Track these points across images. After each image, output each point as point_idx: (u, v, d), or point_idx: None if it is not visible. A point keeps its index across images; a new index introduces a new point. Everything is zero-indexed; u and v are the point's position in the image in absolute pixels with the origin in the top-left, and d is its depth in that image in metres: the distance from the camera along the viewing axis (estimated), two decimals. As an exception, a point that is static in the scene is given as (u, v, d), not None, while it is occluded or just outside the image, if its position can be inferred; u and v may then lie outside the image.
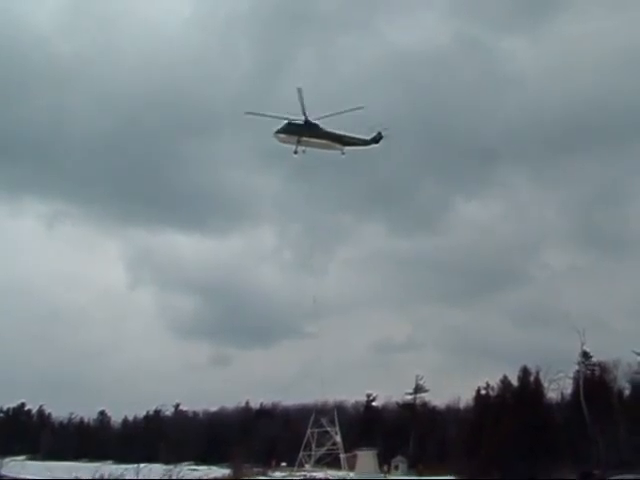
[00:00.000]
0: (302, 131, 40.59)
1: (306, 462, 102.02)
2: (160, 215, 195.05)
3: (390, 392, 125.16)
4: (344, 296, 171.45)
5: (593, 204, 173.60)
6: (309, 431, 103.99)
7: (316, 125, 40.73)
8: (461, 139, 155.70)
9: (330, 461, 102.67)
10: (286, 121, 40.44)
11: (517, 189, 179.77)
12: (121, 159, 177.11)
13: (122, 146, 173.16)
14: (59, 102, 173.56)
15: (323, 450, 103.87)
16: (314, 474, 71.48)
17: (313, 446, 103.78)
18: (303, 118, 40.22)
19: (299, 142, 40.81)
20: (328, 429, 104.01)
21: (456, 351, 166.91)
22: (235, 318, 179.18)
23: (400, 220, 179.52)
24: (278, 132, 40.88)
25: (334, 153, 42.61)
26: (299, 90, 38.66)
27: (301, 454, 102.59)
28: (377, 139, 43.15)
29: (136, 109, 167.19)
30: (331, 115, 40.55)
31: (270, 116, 40.10)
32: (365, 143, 43.05)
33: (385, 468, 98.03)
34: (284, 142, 41.36)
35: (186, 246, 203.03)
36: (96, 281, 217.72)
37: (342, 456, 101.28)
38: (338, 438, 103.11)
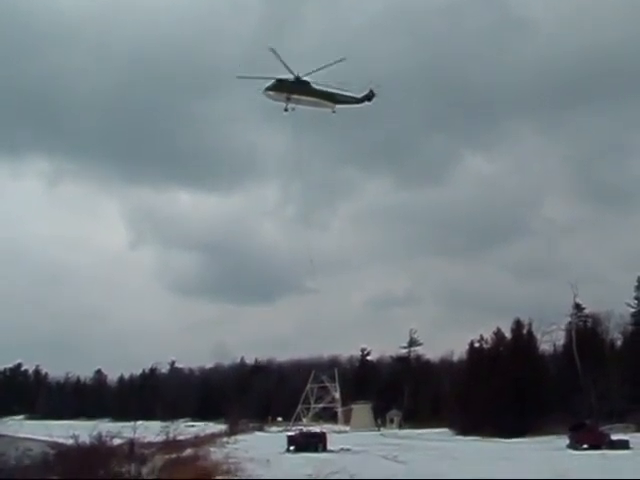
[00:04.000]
0: (292, 88, 39.73)
1: (304, 416, 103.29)
2: (164, 173, 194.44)
3: (386, 346, 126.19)
4: (346, 251, 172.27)
5: (597, 157, 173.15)
6: (309, 386, 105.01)
7: (307, 82, 39.86)
8: (471, 91, 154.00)
9: (327, 415, 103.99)
10: (276, 78, 39.65)
11: (523, 142, 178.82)
12: (126, 117, 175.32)
13: (127, 103, 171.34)
14: (63, 59, 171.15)
15: (321, 405, 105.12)
16: (310, 428, 72.39)
17: (312, 401, 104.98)
18: (293, 75, 39.40)
19: (289, 99, 40.04)
20: (327, 385, 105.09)
21: (455, 305, 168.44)
22: (236, 275, 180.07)
23: (406, 174, 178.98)
24: (267, 89, 40.03)
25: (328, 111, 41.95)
26: (273, 50, 37.58)
27: (299, 407, 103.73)
28: (369, 97, 42.32)
29: (141, 66, 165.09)
30: (317, 70, 39.75)
31: (261, 77, 39.19)
32: (357, 101, 42.28)
33: (379, 421, 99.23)
34: (273, 99, 40.58)
35: (189, 204, 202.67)
36: (97, 240, 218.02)
37: (339, 410, 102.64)
38: (337, 395, 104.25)
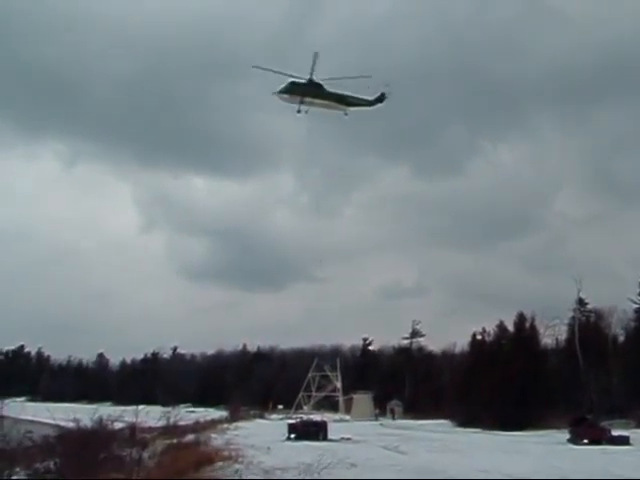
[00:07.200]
0: (305, 91, 39.89)
1: (305, 404, 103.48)
2: (179, 158, 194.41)
3: (389, 336, 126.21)
4: (357, 239, 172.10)
5: (612, 153, 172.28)
6: (310, 374, 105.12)
7: (319, 85, 39.99)
8: (492, 81, 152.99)
9: (329, 404, 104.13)
10: (289, 80, 39.71)
11: (542, 135, 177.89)
12: (143, 100, 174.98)
13: (145, 87, 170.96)
14: (81, 41, 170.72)
15: (323, 394, 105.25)
16: (311, 416, 72.57)
17: (313, 389, 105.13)
18: (307, 78, 39.43)
19: (302, 102, 40.16)
20: (329, 374, 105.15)
21: (460, 297, 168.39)
22: (246, 262, 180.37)
23: (424, 163, 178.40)
24: (281, 92, 40.15)
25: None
26: (315, 55, 37.71)
27: (301, 396, 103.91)
28: (381, 99, 42.58)
29: (161, 50, 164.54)
30: (338, 79, 39.76)
31: (275, 72, 39.13)
32: (369, 103, 42.46)
33: (377, 411, 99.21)
34: (287, 102, 40.73)
35: (204, 189, 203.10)
36: (108, 223, 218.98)
37: (340, 399, 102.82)
38: (339, 384, 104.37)
